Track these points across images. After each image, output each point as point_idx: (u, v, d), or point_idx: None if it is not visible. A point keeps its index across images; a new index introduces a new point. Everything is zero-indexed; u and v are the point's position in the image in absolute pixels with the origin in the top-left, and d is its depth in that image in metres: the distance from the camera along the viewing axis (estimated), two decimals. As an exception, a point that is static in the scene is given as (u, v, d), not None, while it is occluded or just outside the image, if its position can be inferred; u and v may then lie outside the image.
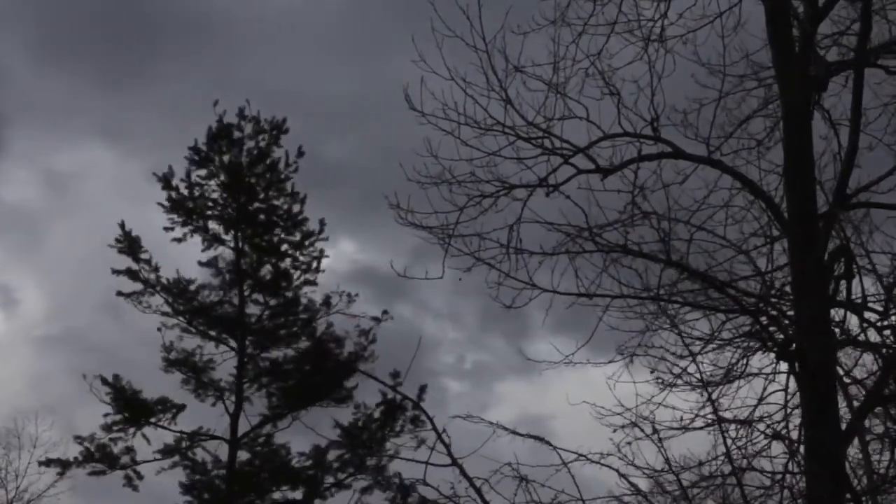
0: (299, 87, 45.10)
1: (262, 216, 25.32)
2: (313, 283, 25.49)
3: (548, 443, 9.20)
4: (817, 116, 10.38)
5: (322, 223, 25.56)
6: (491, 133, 10.17)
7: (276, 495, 24.44)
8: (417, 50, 9.95)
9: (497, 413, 24.31)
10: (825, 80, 10.08)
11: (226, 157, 25.22)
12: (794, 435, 9.98)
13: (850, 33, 10.29)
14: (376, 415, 24.74)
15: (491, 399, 33.36)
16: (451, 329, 25.78)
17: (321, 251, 25.57)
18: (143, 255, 24.85)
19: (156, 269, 24.80)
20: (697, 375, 10.01)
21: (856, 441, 9.76)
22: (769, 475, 9.73)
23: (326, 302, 25.23)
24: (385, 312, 25.43)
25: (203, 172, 25.24)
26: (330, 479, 24.40)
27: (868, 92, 10.05)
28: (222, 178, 25.19)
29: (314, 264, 25.47)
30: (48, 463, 24.75)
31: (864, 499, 9.35)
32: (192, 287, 24.90)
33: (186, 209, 25.02)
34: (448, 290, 30.20)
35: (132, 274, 24.72)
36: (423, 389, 23.98)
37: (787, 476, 9.69)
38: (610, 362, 10.32)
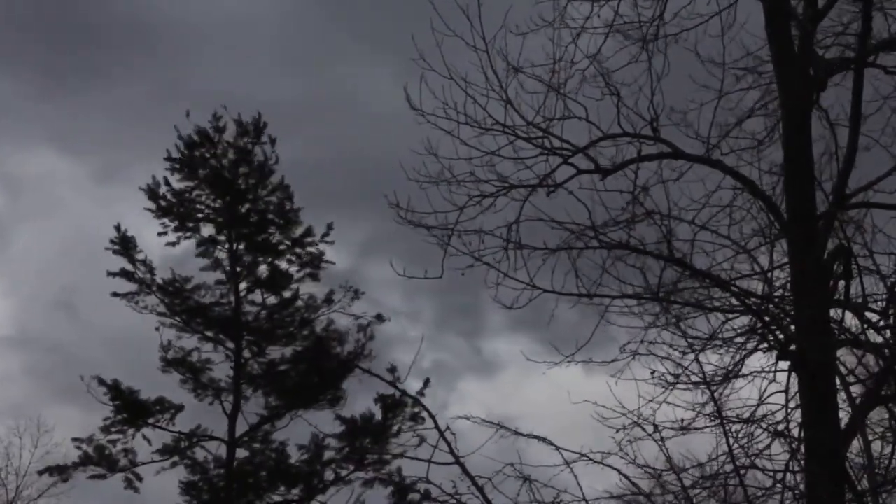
0: (243, 91, 45.44)
1: (253, 216, 25.31)
2: (316, 278, 25.47)
3: (550, 442, 9.23)
4: (816, 116, 10.37)
5: (329, 227, 25.51)
6: (490, 133, 10.18)
7: (275, 495, 24.42)
8: (417, 49, 9.97)
9: (462, 413, 24.24)
10: (824, 79, 10.07)
11: (210, 162, 25.24)
12: (796, 434, 9.96)
13: (849, 33, 10.30)
14: (376, 413, 24.69)
15: (452, 398, 33.49)
16: (409, 327, 26.06)
17: (321, 251, 25.54)
18: (139, 256, 24.84)
19: (151, 270, 24.75)
20: (698, 374, 10.01)
21: (857, 440, 9.74)
22: (770, 474, 9.73)
23: (328, 299, 25.22)
24: (379, 316, 25.41)
25: (186, 181, 25.26)
26: (329, 477, 24.39)
27: (867, 91, 10.06)
28: (208, 182, 25.19)
29: (315, 262, 25.45)
30: (47, 471, 24.62)
31: (865, 499, 9.34)
32: (188, 286, 24.88)
33: (178, 214, 25.01)
34: (404, 289, 30.51)
35: (127, 275, 24.67)
36: (426, 383, 23.96)
37: (789, 475, 9.69)
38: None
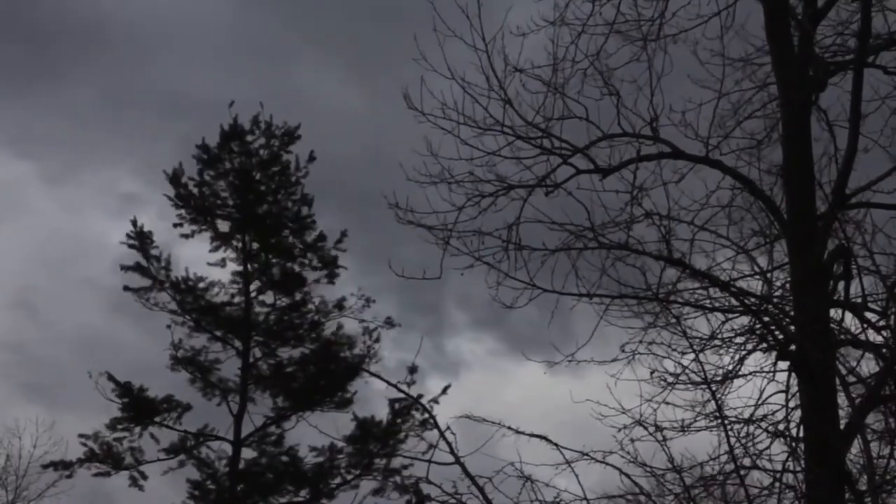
0: (199, 92, 45.70)
1: (269, 219, 25.32)
2: (332, 282, 25.50)
3: (551, 442, 9.24)
4: (815, 116, 10.37)
5: (343, 234, 25.50)
6: (490, 133, 10.21)
7: (282, 497, 24.42)
8: (419, 49, 9.99)
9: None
10: (824, 79, 10.07)
11: (236, 160, 25.27)
12: (795, 434, 9.96)
13: (849, 33, 10.29)
14: (384, 417, 24.68)
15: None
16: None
17: (335, 257, 25.55)
18: (154, 252, 24.81)
19: (166, 267, 24.75)
20: (699, 374, 10.00)
21: (857, 440, 9.74)
22: (771, 474, 9.73)
23: (340, 305, 25.25)
24: (388, 319, 25.42)
25: (212, 172, 25.27)
26: (337, 480, 24.38)
27: (866, 92, 10.05)
28: (231, 178, 25.22)
29: (329, 268, 25.47)
30: (52, 466, 24.65)
31: (865, 498, 9.34)
32: (202, 285, 24.91)
33: (196, 207, 25.02)
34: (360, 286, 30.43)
35: (142, 270, 24.66)
36: (445, 389, 23.87)
37: (789, 475, 9.69)
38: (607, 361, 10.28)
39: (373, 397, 25.07)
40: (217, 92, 47.62)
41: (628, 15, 10.60)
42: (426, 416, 23.51)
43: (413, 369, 22.50)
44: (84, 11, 48.01)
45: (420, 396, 22.96)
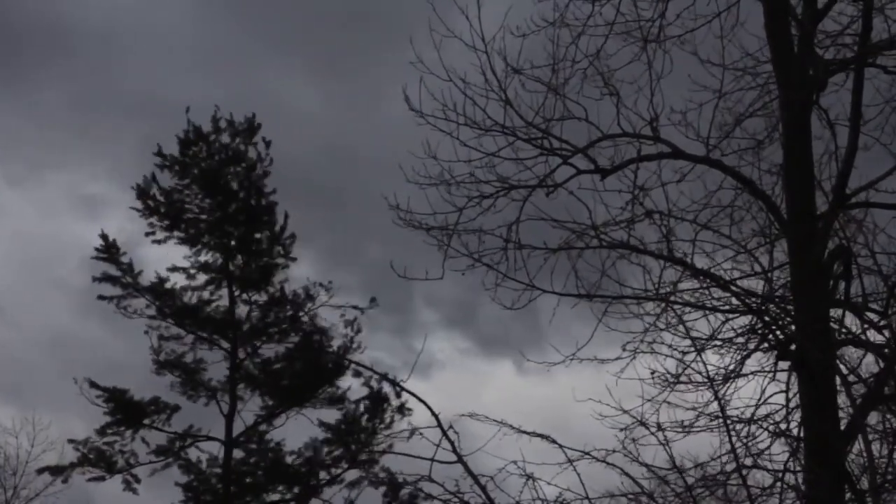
0: (161, 94, 45.73)
1: (241, 216, 25.39)
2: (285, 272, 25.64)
3: (553, 441, 9.24)
4: (816, 116, 10.36)
5: (286, 216, 25.70)
6: (490, 134, 10.18)
7: (273, 495, 24.46)
8: (415, 51, 9.98)
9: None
10: (824, 79, 10.07)
11: (203, 163, 25.31)
12: (797, 434, 9.97)
13: (849, 33, 10.29)
14: (362, 408, 24.75)
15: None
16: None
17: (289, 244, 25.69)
18: (124, 260, 24.94)
19: (135, 274, 24.84)
20: (701, 374, 10.00)
21: (858, 440, 9.74)
22: (772, 474, 9.74)
23: (308, 295, 25.27)
24: (373, 300, 25.50)
25: (177, 179, 25.36)
26: (324, 476, 24.45)
27: (867, 91, 10.05)
28: (199, 181, 25.26)
29: (289, 259, 25.61)
30: (46, 470, 24.66)
31: (866, 498, 9.34)
32: (180, 285, 24.98)
33: (167, 215, 25.08)
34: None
35: (113, 280, 24.75)
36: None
37: (789, 475, 9.70)
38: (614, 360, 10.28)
39: (358, 390, 25.03)
40: (180, 93, 47.96)
41: (628, 15, 10.59)
42: (402, 400, 23.75)
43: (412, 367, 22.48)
44: (47, 14, 48.15)
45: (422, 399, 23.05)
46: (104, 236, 25.05)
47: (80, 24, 48.68)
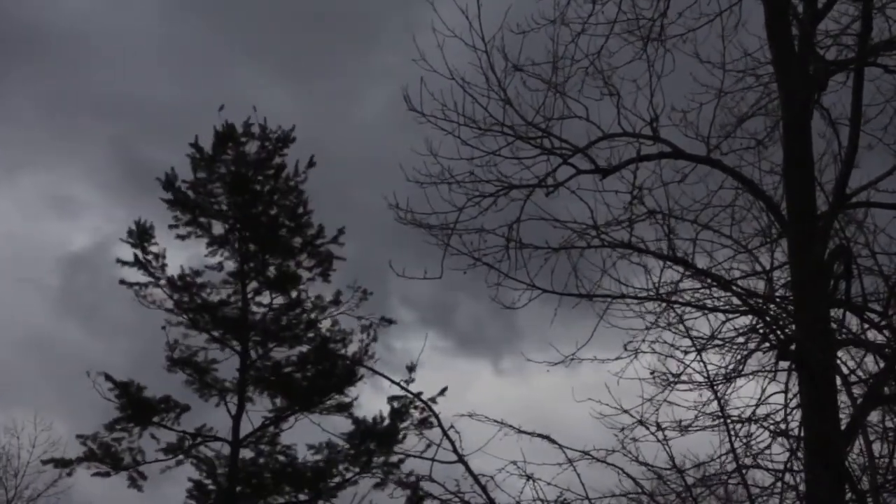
0: (136, 97, 46.63)
1: (264, 218, 25.32)
2: (326, 279, 25.51)
3: (553, 441, 9.25)
4: (816, 116, 10.36)
5: (340, 230, 25.59)
6: (490, 133, 10.18)
7: (281, 497, 24.42)
8: (418, 49, 9.96)
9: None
10: (825, 79, 10.06)
11: (230, 162, 25.30)
12: (797, 434, 9.97)
13: (849, 32, 10.28)
14: (385, 416, 24.64)
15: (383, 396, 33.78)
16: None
17: (331, 253, 25.53)
18: (153, 249, 24.86)
19: (163, 264, 24.77)
20: (701, 374, 10.00)
21: (858, 440, 9.74)
22: (772, 473, 9.74)
23: (336, 300, 25.21)
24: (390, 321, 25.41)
25: (204, 174, 25.32)
26: (336, 479, 24.38)
27: (867, 91, 10.05)
28: (227, 180, 25.25)
29: (324, 265, 25.45)
30: (52, 462, 24.68)
31: (866, 498, 9.34)
32: (199, 280, 24.92)
33: (190, 208, 25.03)
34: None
35: (140, 265, 24.65)
36: (443, 391, 23.86)
37: (789, 474, 9.69)
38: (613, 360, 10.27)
39: (372, 395, 25.02)
40: (151, 94, 48.07)
41: (629, 14, 10.59)
42: (425, 414, 23.55)
43: (412, 367, 22.46)
44: (18, 16, 48.56)
45: (420, 393, 23.09)
46: (139, 222, 24.90)
47: (51, 26, 49.31)
